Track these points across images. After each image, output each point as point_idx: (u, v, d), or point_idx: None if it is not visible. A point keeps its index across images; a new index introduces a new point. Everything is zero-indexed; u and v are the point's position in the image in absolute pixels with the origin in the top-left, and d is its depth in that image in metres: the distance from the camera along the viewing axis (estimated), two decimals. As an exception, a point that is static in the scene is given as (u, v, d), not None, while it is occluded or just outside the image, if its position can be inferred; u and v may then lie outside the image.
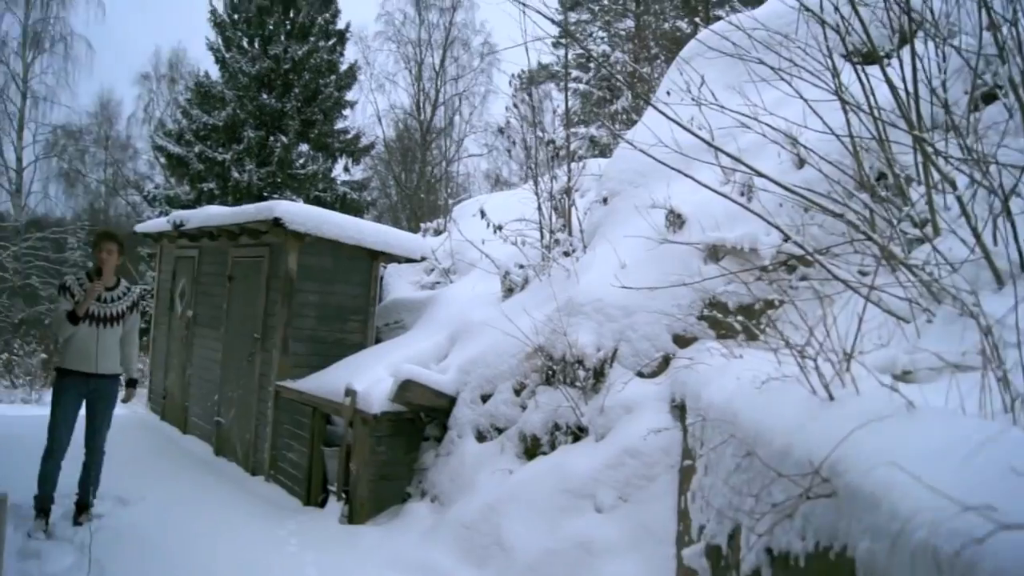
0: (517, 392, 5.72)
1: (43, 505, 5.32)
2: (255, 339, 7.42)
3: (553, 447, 5.18)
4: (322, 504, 6.36)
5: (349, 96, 22.31)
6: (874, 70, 4.28)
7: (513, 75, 7.45)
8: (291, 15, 21.11)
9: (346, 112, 22.53)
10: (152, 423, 9.67)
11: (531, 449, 5.33)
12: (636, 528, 4.22)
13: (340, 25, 21.75)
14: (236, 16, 21.04)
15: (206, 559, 5.01)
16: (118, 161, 29.66)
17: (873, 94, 4.15)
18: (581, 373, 5.19)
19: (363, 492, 5.96)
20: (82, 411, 5.49)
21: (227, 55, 20.76)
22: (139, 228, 10.76)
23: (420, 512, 5.73)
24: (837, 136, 4.43)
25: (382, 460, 6.07)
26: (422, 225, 10.85)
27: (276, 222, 6.70)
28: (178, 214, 8.86)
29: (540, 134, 7.50)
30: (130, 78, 44.01)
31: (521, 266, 6.94)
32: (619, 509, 4.38)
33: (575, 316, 5.49)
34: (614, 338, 5.27)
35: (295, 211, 6.88)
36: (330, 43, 21.42)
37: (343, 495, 6.14)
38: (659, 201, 5.84)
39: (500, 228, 6.95)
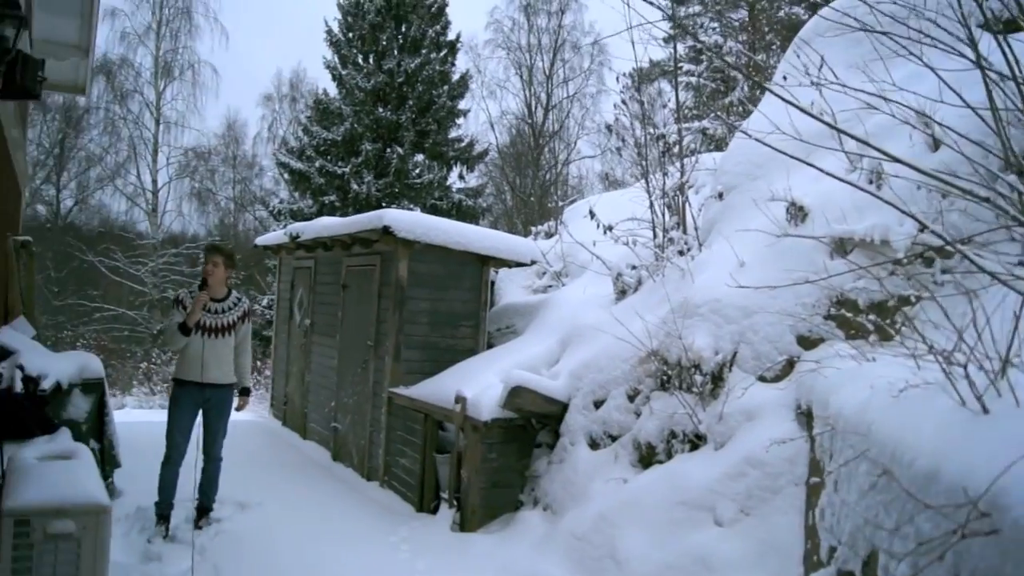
0: (631, 398, 5.49)
1: (163, 511, 5.50)
2: (368, 346, 7.50)
3: (669, 456, 4.92)
4: (434, 511, 6.32)
5: (462, 105, 22.54)
6: (1018, 37, 3.83)
7: (622, 73, 7.22)
8: (403, 29, 21.52)
9: (459, 121, 22.77)
10: (274, 428, 9.99)
11: (646, 457, 5.10)
12: (759, 544, 3.92)
13: (451, 36, 22.00)
14: (351, 34, 21.63)
15: (319, 565, 5.06)
16: (245, 179, 31.27)
17: (1018, 63, 3.70)
18: (698, 378, 4.92)
19: (474, 499, 5.88)
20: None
21: (343, 72, 21.37)
22: (259, 241, 11.15)
23: (532, 521, 5.59)
24: (977, 112, 3.98)
25: (493, 467, 5.97)
26: (532, 228, 10.74)
27: (385, 230, 6.74)
28: (294, 226, 9.10)
29: (651, 131, 7.23)
30: (254, 100, 46.34)
31: (633, 267, 6.70)
32: (740, 523, 4.09)
33: (691, 318, 5.21)
34: (733, 340, 4.96)
35: (403, 219, 6.90)
36: (442, 54, 21.70)
37: (455, 502, 6.08)
38: (779, 193, 5.48)
39: (611, 228, 6.73)
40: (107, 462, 5.94)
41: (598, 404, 5.72)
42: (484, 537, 5.62)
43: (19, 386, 5.03)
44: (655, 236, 6.85)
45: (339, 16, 21.71)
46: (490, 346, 7.68)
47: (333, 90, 21.94)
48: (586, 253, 7.53)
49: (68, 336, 22.21)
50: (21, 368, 5.26)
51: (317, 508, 6.33)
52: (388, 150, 20.66)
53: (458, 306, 7.44)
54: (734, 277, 4.93)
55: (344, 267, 8.29)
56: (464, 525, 5.88)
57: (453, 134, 22.40)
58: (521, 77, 28.82)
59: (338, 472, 7.77)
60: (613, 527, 4.60)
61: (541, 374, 6.20)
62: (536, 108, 28.19)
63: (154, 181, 26.36)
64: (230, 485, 6.18)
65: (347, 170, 20.49)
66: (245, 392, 5.89)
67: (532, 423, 6.11)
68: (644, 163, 7.18)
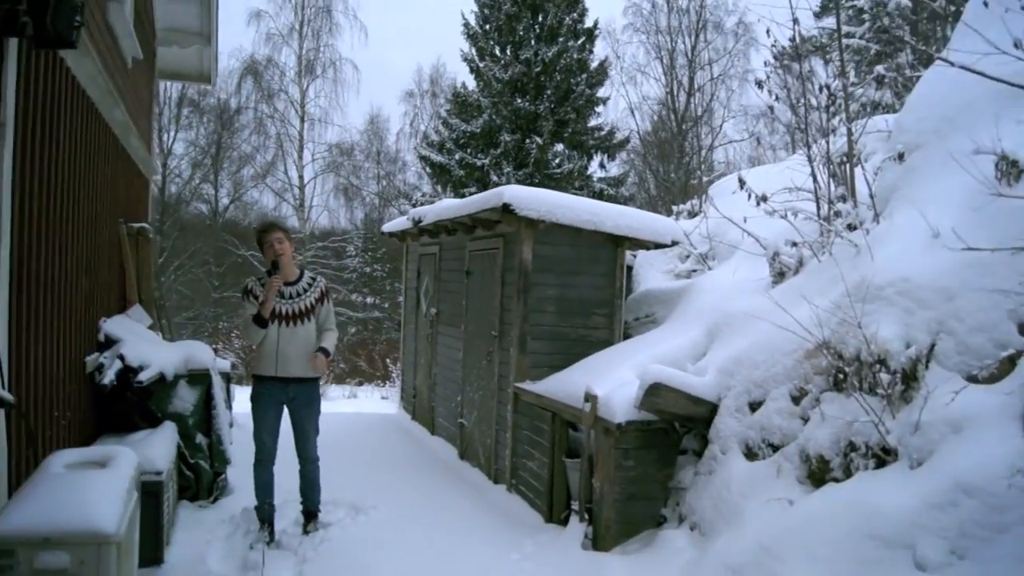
0: (795, 400, 4.55)
1: (263, 515, 5.08)
2: (493, 337, 6.88)
3: (848, 473, 3.96)
4: (564, 522, 5.60)
5: (601, 92, 21.86)
6: None
7: (775, 40, 6.18)
8: (539, 18, 21.09)
9: (599, 109, 22.11)
10: (403, 423, 9.58)
11: (817, 473, 4.15)
12: (982, 600, 2.95)
13: (588, 23, 21.35)
14: (487, 26, 21.39)
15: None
16: (389, 173, 31.66)
17: None
18: (884, 377, 3.93)
19: (608, 513, 5.11)
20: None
21: (481, 64, 21.18)
22: (385, 228, 10.86)
23: (677, 542, 4.76)
24: None
25: (630, 476, 5.18)
26: (674, 207, 9.77)
27: (505, 208, 6.07)
28: (416, 210, 8.67)
29: (811, 93, 6.18)
30: (396, 96, 47.45)
31: (794, 244, 5.71)
32: (952, 568, 3.11)
33: (872, 302, 4.23)
34: (929, 330, 3.94)
35: (524, 195, 6.20)
36: (579, 42, 21.11)
37: (586, 515, 5.34)
38: (984, 146, 4.38)
39: (764, 199, 5.75)
40: (215, 459, 5.61)
41: (754, 406, 4.82)
42: (620, 559, 4.83)
43: (110, 377, 4.73)
44: (819, 209, 5.84)
45: (475, 8, 21.52)
46: (626, 337, 6.87)
47: (471, 83, 21.82)
48: (735, 232, 6.57)
49: (224, 327, 23.23)
50: (122, 358, 5.00)
51: (435, 514, 5.74)
52: (527, 140, 20.26)
53: (590, 292, 6.67)
54: (955, 243, 3.90)
55: (467, 252, 7.72)
56: (597, 542, 5.12)
57: (592, 122, 21.80)
58: (662, 61, 27.53)
59: (464, 472, 7.18)
60: (778, 561, 3.71)
61: (685, 369, 5.35)
62: (679, 92, 26.83)
63: (300, 177, 27.16)
64: (347, 484, 5.79)
65: (487, 162, 20.27)
66: (322, 351, 5.05)
67: (675, 426, 5.27)
68: (805, 124, 6.14)
